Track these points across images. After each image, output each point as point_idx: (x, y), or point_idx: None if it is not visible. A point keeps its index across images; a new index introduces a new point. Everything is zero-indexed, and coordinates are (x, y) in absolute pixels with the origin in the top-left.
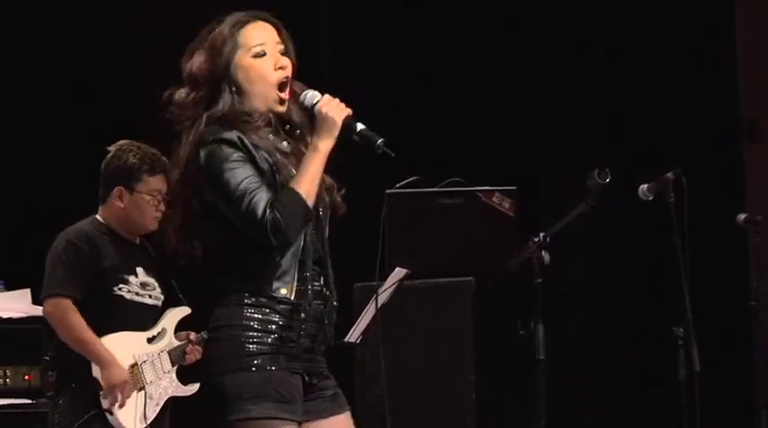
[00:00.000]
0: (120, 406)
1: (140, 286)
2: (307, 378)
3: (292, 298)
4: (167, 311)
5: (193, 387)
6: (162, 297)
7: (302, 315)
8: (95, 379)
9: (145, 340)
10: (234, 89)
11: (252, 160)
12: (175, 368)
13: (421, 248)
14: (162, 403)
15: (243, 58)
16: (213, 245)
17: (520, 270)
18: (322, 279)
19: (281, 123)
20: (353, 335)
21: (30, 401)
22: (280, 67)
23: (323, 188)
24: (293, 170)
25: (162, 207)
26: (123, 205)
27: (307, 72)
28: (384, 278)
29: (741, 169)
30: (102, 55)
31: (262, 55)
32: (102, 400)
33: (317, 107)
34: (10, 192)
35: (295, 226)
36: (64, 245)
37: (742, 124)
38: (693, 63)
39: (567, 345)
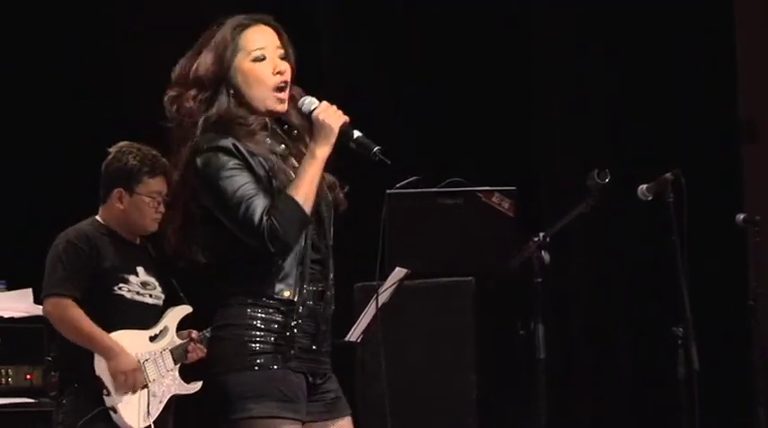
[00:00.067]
0: (134, 392)
1: (141, 285)
2: (310, 378)
3: (295, 299)
4: (169, 310)
5: (196, 386)
6: (163, 296)
7: (303, 315)
8: (98, 378)
9: (147, 338)
10: (232, 92)
11: (248, 167)
12: (178, 366)
13: (421, 248)
14: (165, 401)
15: (242, 62)
16: (213, 249)
17: (520, 270)
18: (323, 279)
19: (279, 124)
20: (354, 335)
21: (32, 400)
22: (278, 72)
23: (324, 187)
24: (291, 173)
25: (162, 208)
26: (123, 207)
27: (307, 72)
28: (384, 278)
29: (740, 169)
30: (102, 55)
31: (261, 59)
32: (106, 398)
33: (314, 114)
34: (10, 192)
35: (292, 233)
36: (64, 246)
37: (741, 124)
38: (693, 63)
39: (567, 345)
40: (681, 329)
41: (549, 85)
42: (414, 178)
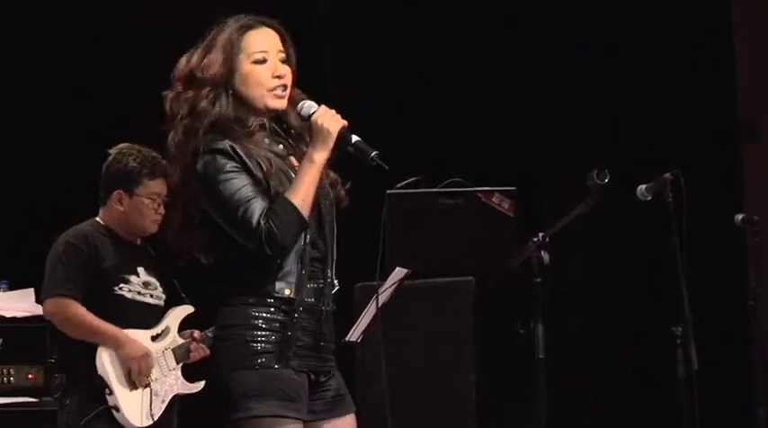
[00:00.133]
0: (146, 375)
1: (142, 285)
2: (313, 376)
3: (296, 297)
4: (170, 310)
5: (199, 385)
6: (164, 296)
7: (304, 314)
8: (101, 377)
9: (148, 338)
10: (231, 92)
11: (246, 169)
12: (180, 365)
13: (421, 248)
14: (168, 400)
15: (243, 64)
16: (212, 250)
17: (520, 270)
18: (323, 277)
19: (278, 123)
20: (354, 335)
21: (34, 400)
22: (277, 76)
23: (325, 184)
24: (291, 172)
25: (161, 210)
26: (123, 208)
27: (307, 72)
28: (384, 278)
29: (740, 169)
30: (102, 55)
31: (262, 61)
32: (108, 397)
33: (312, 117)
34: (11, 192)
35: (290, 236)
36: (64, 247)
37: (741, 124)
38: (693, 63)
39: (566, 345)
40: (680, 329)
41: (549, 85)
42: (414, 178)
